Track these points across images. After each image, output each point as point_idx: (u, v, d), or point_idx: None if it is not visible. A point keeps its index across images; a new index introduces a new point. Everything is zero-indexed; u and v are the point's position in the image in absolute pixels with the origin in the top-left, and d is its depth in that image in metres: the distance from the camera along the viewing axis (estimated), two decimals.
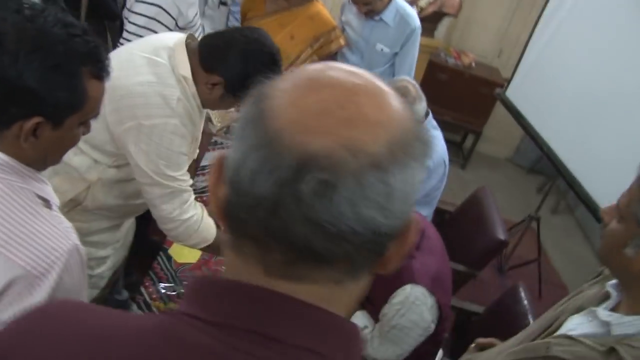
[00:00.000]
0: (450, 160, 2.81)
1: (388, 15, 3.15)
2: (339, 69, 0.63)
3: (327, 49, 3.21)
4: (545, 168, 5.93)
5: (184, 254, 2.09)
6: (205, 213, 1.89)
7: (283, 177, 0.55)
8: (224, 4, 3.05)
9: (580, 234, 5.28)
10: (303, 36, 3.11)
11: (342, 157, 0.55)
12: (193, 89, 1.71)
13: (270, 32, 2.99)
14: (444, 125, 3.83)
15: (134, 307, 1.85)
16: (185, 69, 1.69)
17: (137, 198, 1.91)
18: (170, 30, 2.30)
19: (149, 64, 1.68)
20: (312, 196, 0.54)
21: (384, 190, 0.56)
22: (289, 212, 0.55)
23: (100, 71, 1.11)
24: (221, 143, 2.89)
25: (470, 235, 2.87)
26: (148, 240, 2.70)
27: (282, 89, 0.61)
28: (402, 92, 2.48)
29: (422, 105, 2.53)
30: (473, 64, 5.36)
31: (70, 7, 3.88)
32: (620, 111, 3.16)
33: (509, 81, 4.16)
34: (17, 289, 1.01)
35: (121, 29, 4.55)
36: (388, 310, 1.93)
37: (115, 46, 4.26)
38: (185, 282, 1.98)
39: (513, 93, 4.09)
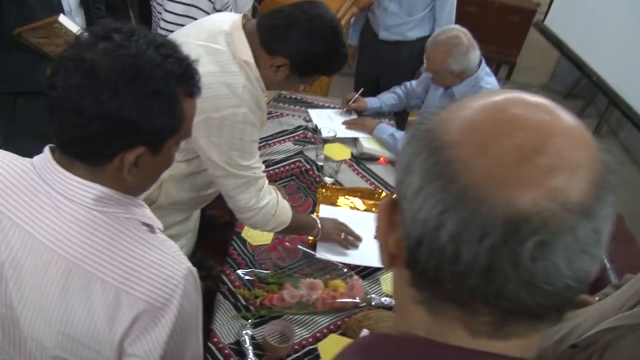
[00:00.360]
0: None
1: None
2: (518, 102, 0.57)
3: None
4: (583, 91, 5.78)
5: (258, 236, 2.07)
6: (280, 196, 1.86)
7: (494, 242, 0.51)
8: None
9: (626, 156, 5.17)
10: None
11: (553, 211, 0.51)
12: (257, 73, 1.63)
13: None
14: None
15: (220, 297, 1.85)
16: (246, 53, 1.61)
17: (209, 188, 1.88)
18: (209, 14, 2.19)
19: (208, 52, 1.60)
20: (529, 260, 0.51)
21: (594, 238, 0.53)
22: (504, 278, 0.52)
23: (194, 88, 1.05)
24: (271, 113, 2.82)
25: None
26: (205, 216, 2.70)
27: (464, 135, 0.56)
28: (455, 42, 2.39)
29: (475, 53, 2.43)
30: None
31: None
32: None
33: (547, 10, 3.99)
34: (142, 323, 0.99)
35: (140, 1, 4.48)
36: None
37: (140, 20, 4.20)
38: (263, 264, 1.97)
39: (553, 21, 3.93)
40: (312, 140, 2.63)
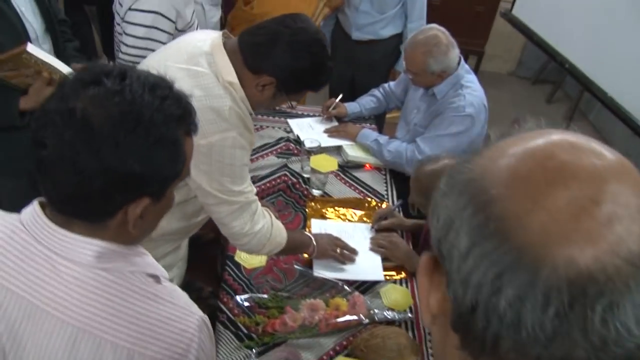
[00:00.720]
0: None
1: None
2: (564, 145, 0.53)
3: (335, 0, 3.04)
4: (550, 76, 5.84)
5: (252, 259, 2.00)
6: (273, 217, 1.80)
7: (560, 307, 0.46)
8: None
9: (598, 137, 5.21)
10: None
11: (618, 267, 0.46)
12: (242, 93, 1.55)
13: None
14: None
15: (220, 327, 1.78)
16: (230, 74, 1.53)
17: (199, 215, 1.81)
18: (171, 34, 2.10)
19: (189, 76, 1.52)
20: (599, 323, 0.46)
21: None
22: (572, 344, 0.47)
23: (192, 126, 0.98)
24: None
25: None
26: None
27: (513, 187, 0.51)
28: (434, 41, 2.35)
29: (455, 52, 2.40)
30: None
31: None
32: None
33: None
34: None
35: (100, 14, 4.36)
36: None
37: (102, 36, 4.07)
38: (260, 288, 1.91)
39: (520, 10, 3.93)
40: (296, 152, 2.57)
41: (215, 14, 2.93)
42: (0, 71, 1.75)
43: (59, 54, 1.93)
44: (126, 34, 2.09)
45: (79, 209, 0.90)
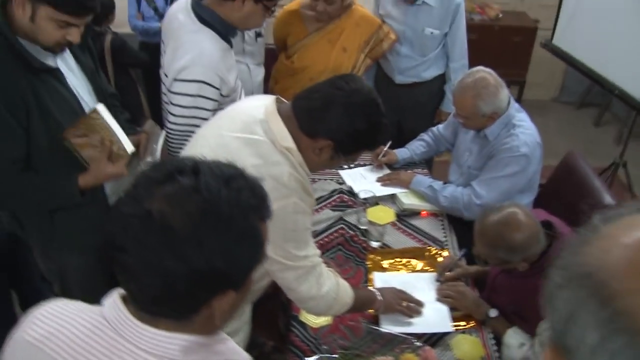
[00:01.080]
0: None
1: None
2: None
3: (379, 49, 3.08)
4: (595, 99, 5.73)
5: (317, 318, 1.99)
6: (339, 277, 1.79)
7: None
8: (260, 35, 2.92)
9: None
10: (355, 45, 2.97)
11: None
12: (299, 157, 1.56)
13: (322, 50, 2.93)
14: None
15: None
16: (287, 139, 1.54)
17: (263, 280, 1.81)
18: (217, 101, 2.13)
19: (246, 144, 1.54)
20: None
21: None
22: None
23: (267, 212, 0.98)
24: None
25: (573, 206, 2.71)
26: None
27: (633, 280, 0.51)
28: (483, 84, 2.34)
29: (504, 92, 2.39)
30: (500, 15, 5.13)
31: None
32: None
33: (553, 29, 3.97)
34: None
35: (145, 77, 4.51)
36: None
37: (149, 99, 4.20)
38: (328, 348, 1.89)
39: (561, 39, 3.90)
40: (350, 203, 2.57)
41: (260, 73, 2.99)
42: (74, 137, 1.83)
43: None
44: (173, 104, 2.13)
45: (164, 308, 0.90)
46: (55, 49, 1.76)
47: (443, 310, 2.06)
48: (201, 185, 0.87)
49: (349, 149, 1.60)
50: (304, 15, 2.95)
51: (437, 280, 2.17)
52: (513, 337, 1.96)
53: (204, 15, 2.09)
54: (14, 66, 1.69)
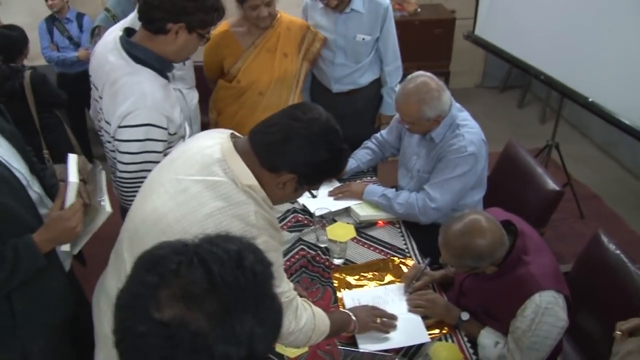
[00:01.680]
0: None
1: (357, 3, 3.02)
2: None
3: (313, 50, 3.08)
4: (516, 82, 5.94)
5: (293, 348, 1.95)
6: (313, 306, 1.75)
7: None
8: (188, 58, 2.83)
9: (576, 133, 5.31)
10: (293, 49, 2.97)
11: None
12: (262, 193, 1.50)
13: (264, 62, 2.90)
14: None
15: None
16: (249, 178, 1.47)
17: None
18: (165, 141, 2.02)
19: (207, 187, 1.46)
20: None
21: None
22: None
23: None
24: None
25: (520, 194, 2.79)
26: None
27: None
28: (425, 89, 2.35)
29: (447, 95, 2.41)
30: (418, 9, 5.23)
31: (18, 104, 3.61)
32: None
33: (474, 20, 4.07)
34: None
35: (69, 117, 4.29)
36: (521, 323, 1.86)
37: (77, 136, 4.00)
38: None
39: (482, 30, 4.00)
40: (306, 222, 2.54)
41: (194, 96, 2.91)
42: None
43: (46, 190, 1.83)
44: (121, 152, 2.00)
45: None
46: None
47: (416, 320, 2.06)
48: (216, 280, 0.79)
49: (313, 179, 1.56)
50: (236, 34, 2.90)
51: (406, 292, 2.17)
52: (487, 337, 1.99)
53: (138, 54, 1.97)
54: None
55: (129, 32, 2.06)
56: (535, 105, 5.80)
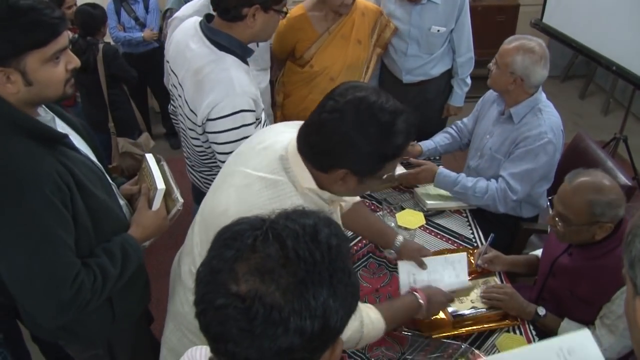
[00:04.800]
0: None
1: None
2: None
3: (383, 38, 3.06)
4: (578, 71, 5.79)
5: None
6: (364, 312, 1.66)
7: None
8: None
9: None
10: (366, 35, 2.95)
11: None
12: (326, 195, 1.47)
13: (338, 48, 2.89)
14: None
15: None
16: (308, 180, 1.43)
17: None
18: (256, 121, 2.02)
19: (267, 186, 1.44)
20: None
21: None
22: None
23: (349, 242, 0.99)
24: None
25: None
26: None
27: None
28: (531, 47, 2.37)
29: (544, 70, 2.41)
30: None
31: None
32: None
33: (542, 8, 3.97)
34: None
35: (132, 92, 4.42)
36: (618, 307, 1.86)
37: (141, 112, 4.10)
38: None
39: (551, 19, 3.90)
40: (374, 208, 2.55)
41: (264, 79, 2.92)
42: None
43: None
44: (218, 143, 1.99)
45: None
46: (67, 91, 1.52)
47: (461, 267, 2.08)
48: (290, 254, 0.81)
49: (370, 168, 1.43)
50: (312, 18, 2.89)
51: (477, 266, 2.18)
52: (569, 328, 1.97)
53: (221, 41, 1.97)
54: (40, 150, 1.44)
55: (208, 17, 2.06)
56: (598, 96, 5.65)
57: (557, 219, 1.94)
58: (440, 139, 2.90)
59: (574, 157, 2.91)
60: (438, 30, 3.03)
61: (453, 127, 2.94)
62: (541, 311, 2.01)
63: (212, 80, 1.94)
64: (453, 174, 2.56)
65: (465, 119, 2.93)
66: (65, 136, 1.54)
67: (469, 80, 3.29)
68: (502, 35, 5.16)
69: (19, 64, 1.38)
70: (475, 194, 2.48)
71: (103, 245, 1.61)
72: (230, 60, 1.97)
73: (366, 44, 2.96)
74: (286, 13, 2.04)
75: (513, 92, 2.44)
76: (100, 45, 3.73)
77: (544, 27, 3.96)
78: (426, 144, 2.86)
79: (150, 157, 1.84)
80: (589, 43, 3.59)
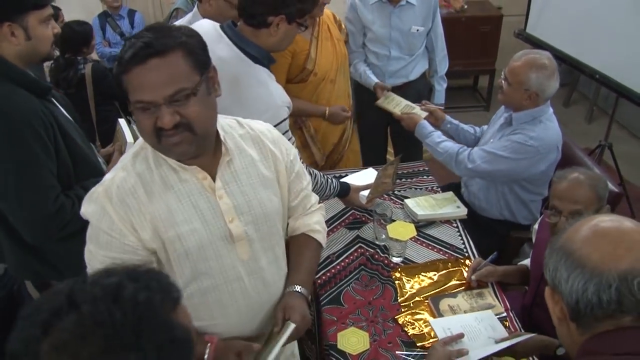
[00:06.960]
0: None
1: None
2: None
3: (344, 30, 3.22)
4: (562, 80, 5.82)
5: (354, 345, 1.96)
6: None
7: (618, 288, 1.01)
8: None
9: (625, 133, 5.20)
10: (337, 31, 3.06)
11: None
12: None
13: (329, 49, 2.93)
14: (454, 75, 3.92)
15: None
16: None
17: None
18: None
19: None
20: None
21: None
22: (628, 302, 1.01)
23: (178, 293, 0.88)
24: None
25: None
26: None
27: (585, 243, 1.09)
28: (542, 62, 2.41)
29: (555, 84, 2.46)
30: (465, 6, 5.19)
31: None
32: None
33: (526, 18, 4.02)
34: None
35: (123, 108, 4.38)
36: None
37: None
38: None
39: (534, 28, 3.95)
40: (364, 219, 2.55)
41: None
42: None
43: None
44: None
45: None
46: (52, 53, 1.93)
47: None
48: (86, 322, 0.74)
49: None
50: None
51: (472, 280, 2.17)
52: None
53: (251, 51, 2.05)
54: (30, 96, 1.80)
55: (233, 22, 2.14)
56: (582, 104, 5.70)
57: (567, 219, 1.93)
58: (465, 126, 2.97)
59: (561, 163, 2.92)
60: (417, 30, 3.18)
61: (477, 127, 2.99)
62: (560, 351, 1.84)
63: (253, 95, 2.02)
64: (431, 127, 2.77)
65: (485, 126, 2.97)
66: (51, 88, 1.93)
67: (445, 77, 3.45)
68: (486, 45, 5.28)
69: (23, 21, 1.78)
70: (438, 148, 2.66)
71: (80, 184, 1.94)
72: (265, 73, 2.07)
73: (341, 40, 3.06)
74: (306, 27, 2.13)
75: (526, 105, 2.49)
76: (88, 65, 3.70)
77: (528, 36, 4.01)
78: (453, 121, 2.97)
79: (122, 122, 2.18)
80: (572, 52, 3.63)
